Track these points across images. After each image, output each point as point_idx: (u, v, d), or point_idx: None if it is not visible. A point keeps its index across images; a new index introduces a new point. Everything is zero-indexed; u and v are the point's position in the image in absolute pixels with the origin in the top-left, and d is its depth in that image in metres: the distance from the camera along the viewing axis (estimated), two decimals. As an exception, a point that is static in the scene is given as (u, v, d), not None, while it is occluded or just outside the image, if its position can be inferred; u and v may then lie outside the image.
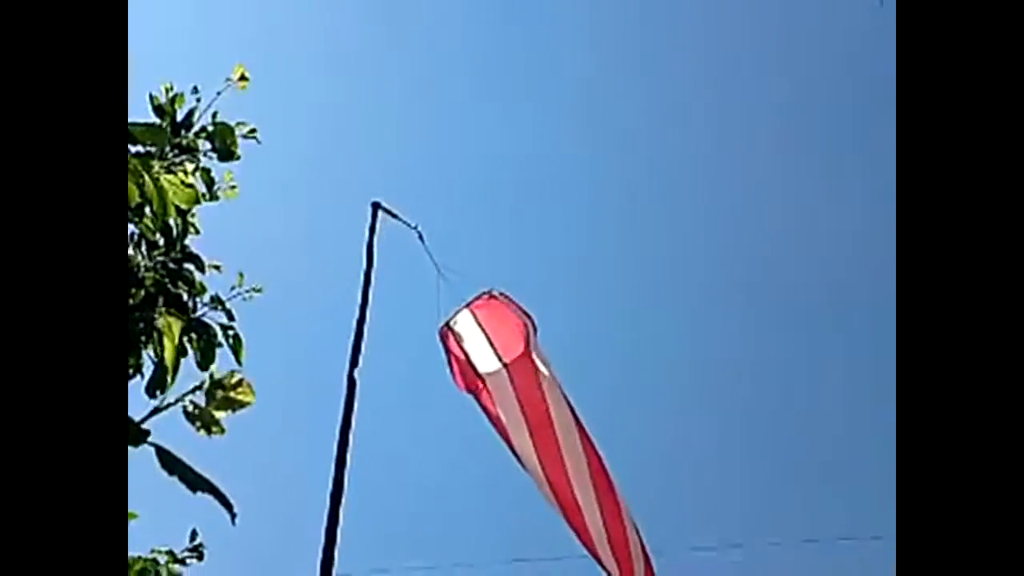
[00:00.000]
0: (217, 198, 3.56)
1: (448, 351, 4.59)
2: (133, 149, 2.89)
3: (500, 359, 4.55)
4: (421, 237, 4.77)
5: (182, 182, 3.02)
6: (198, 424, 2.28)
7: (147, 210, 3.29)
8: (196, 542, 3.68)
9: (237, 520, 2.23)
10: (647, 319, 15.08)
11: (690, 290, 15.46)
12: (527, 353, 4.56)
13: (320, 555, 4.04)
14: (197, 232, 3.65)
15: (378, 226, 4.76)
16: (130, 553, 3.43)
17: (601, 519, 4.30)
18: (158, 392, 3.59)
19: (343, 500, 4.12)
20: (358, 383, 4.42)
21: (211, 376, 3.34)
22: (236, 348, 3.49)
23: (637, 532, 4.38)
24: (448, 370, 4.58)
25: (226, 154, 3.53)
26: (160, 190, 2.91)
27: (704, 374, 15.11)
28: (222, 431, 2.99)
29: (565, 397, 4.54)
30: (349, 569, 4.08)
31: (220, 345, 3.45)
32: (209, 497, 2.21)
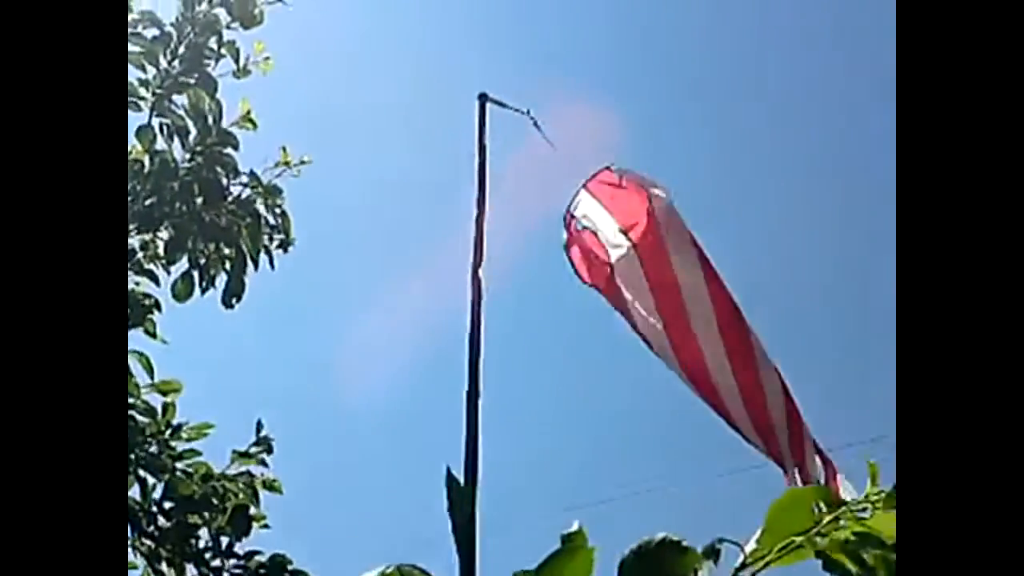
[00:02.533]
0: (249, 72, 3.23)
1: (569, 240, 4.07)
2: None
3: (628, 238, 3.98)
4: (536, 124, 4.26)
5: None
6: None
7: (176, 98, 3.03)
8: (263, 434, 3.30)
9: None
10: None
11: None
12: (653, 227, 3.97)
13: (463, 461, 3.61)
14: (255, 126, 3.34)
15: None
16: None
17: (742, 401, 3.87)
18: (235, 302, 3.29)
19: (479, 404, 3.67)
20: (484, 282, 3.95)
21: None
22: (285, 226, 3.13)
23: (800, 415, 3.79)
24: (569, 262, 4.04)
25: (249, 21, 3.18)
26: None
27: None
28: None
29: (708, 262, 3.93)
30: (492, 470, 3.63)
31: (267, 223, 3.11)
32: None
